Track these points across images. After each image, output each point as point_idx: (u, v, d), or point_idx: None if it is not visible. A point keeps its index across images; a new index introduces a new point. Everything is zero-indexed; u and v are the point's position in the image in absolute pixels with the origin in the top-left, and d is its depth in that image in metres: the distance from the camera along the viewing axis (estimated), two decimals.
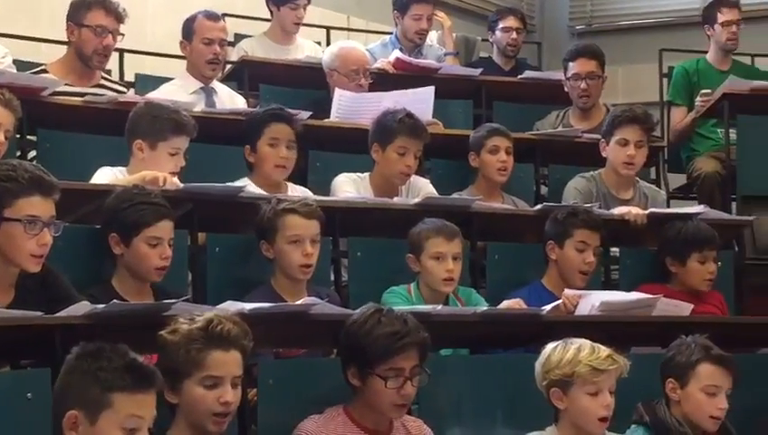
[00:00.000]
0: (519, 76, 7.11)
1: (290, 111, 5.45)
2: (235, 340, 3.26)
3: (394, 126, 5.23)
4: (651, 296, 4.70)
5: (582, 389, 3.69)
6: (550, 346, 3.79)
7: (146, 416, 2.86)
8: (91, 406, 2.83)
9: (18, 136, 4.87)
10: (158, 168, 4.58)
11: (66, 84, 5.17)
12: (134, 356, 2.89)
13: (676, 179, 7.32)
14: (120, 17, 5.41)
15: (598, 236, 5.02)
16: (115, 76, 6.24)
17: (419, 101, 5.82)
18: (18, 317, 3.36)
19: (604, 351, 3.71)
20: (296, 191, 5.02)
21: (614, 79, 8.80)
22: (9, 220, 3.56)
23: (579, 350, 3.70)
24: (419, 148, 5.30)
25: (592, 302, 4.63)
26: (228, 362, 3.25)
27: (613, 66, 8.49)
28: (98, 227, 4.15)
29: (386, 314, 3.61)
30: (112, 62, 6.22)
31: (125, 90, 5.76)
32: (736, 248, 6.13)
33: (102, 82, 5.56)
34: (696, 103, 6.90)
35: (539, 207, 5.40)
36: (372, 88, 6.18)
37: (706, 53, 7.37)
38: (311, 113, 5.64)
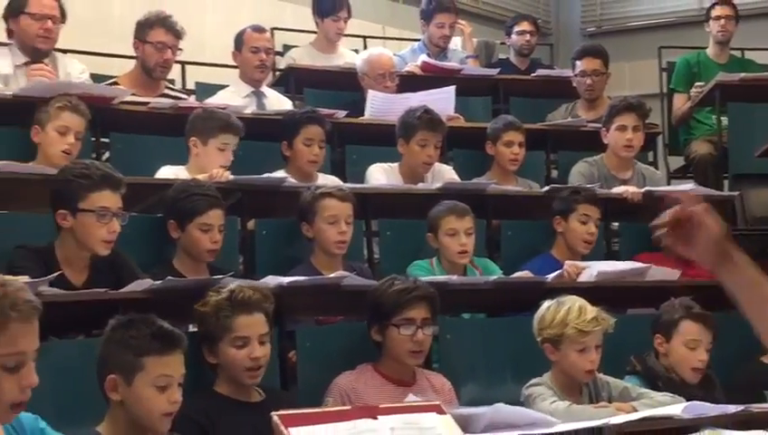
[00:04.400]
0: (532, 74, 7.14)
1: (328, 110, 5.54)
2: (257, 304, 3.35)
3: (415, 122, 5.28)
4: (642, 265, 4.72)
5: (571, 347, 3.76)
6: (544, 305, 3.85)
7: (175, 374, 2.90)
8: (126, 370, 2.88)
9: (93, 139, 4.97)
10: (209, 160, 4.69)
11: (133, 94, 5.24)
12: (161, 323, 2.93)
13: (676, 161, 7.34)
14: (178, 34, 5.49)
15: (598, 209, 5.07)
16: (178, 85, 6.35)
17: (442, 100, 5.87)
18: (89, 294, 3.50)
19: (590, 312, 3.76)
20: (327, 180, 5.07)
21: (621, 73, 8.81)
22: (84, 211, 3.69)
23: (567, 312, 3.76)
24: (439, 139, 5.34)
25: (591, 272, 4.68)
26: (253, 323, 3.34)
27: (620, 62, 8.54)
28: (159, 215, 4.24)
29: (399, 278, 3.74)
30: (176, 73, 6.36)
31: (186, 97, 5.85)
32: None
33: (166, 91, 5.65)
34: (691, 93, 6.94)
35: (546, 188, 5.45)
36: (403, 88, 6.20)
37: (701, 48, 7.40)
38: (347, 112, 5.72)
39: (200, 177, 4.50)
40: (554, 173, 6.28)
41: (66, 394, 3.17)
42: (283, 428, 2.18)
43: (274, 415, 2.14)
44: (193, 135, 4.78)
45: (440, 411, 2.56)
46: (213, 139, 4.75)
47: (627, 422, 3.45)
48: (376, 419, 2.38)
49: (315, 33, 7.06)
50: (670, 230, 2.08)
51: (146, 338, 2.88)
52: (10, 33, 5.21)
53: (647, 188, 5.52)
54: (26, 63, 5.18)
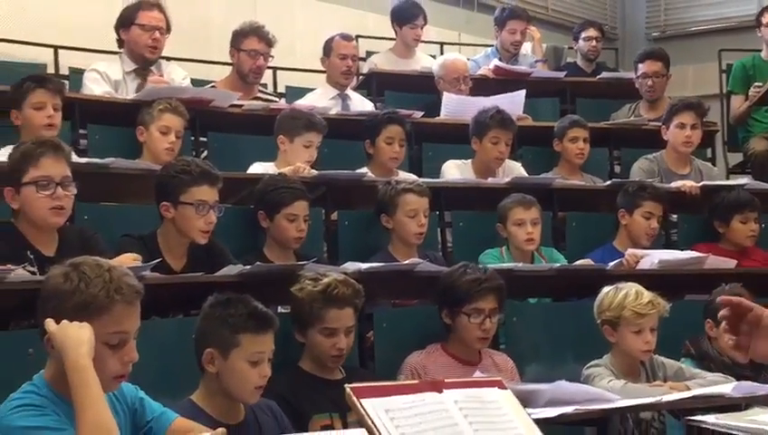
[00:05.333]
0: (597, 77, 7.09)
1: (406, 111, 5.58)
2: (348, 299, 3.39)
3: (487, 121, 5.29)
4: (701, 255, 4.67)
5: (627, 328, 3.73)
6: (604, 290, 3.83)
7: (266, 350, 2.94)
8: (223, 345, 2.91)
9: (192, 138, 5.08)
10: (295, 157, 4.75)
11: None
12: (256, 304, 2.97)
13: (736, 158, 7.22)
14: (270, 43, 5.58)
15: (661, 206, 5.03)
16: (270, 89, 6.42)
17: (512, 102, 5.85)
18: (186, 277, 3.59)
19: (646, 296, 3.73)
20: (405, 177, 5.08)
21: (685, 75, 8.71)
22: (184, 204, 3.77)
23: (625, 296, 3.73)
24: (509, 137, 5.34)
25: (652, 260, 4.64)
26: (342, 317, 3.38)
27: (684, 65, 8.43)
28: (251, 207, 4.30)
29: (470, 267, 3.73)
30: (268, 78, 6.44)
31: (277, 99, 5.93)
32: None
33: (259, 94, 5.74)
34: (750, 93, 6.82)
35: (608, 182, 5.42)
36: (476, 91, 6.21)
37: (759, 51, 7.26)
38: (423, 113, 5.75)
39: (285, 170, 4.57)
40: (617, 169, 6.23)
41: (165, 367, 3.24)
42: (355, 398, 2.21)
43: (347, 387, 2.17)
44: (281, 133, 4.86)
45: (501, 387, 2.56)
46: (298, 137, 4.82)
47: (679, 400, 3.43)
48: (441, 392, 2.39)
49: (394, 39, 7.10)
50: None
51: (243, 317, 2.92)
52: (121, 42, 5.35)
53: (704, 182, 5.47)
54: (134, 70, 5.32)
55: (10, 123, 4.38)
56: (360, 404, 2.24)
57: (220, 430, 2.31)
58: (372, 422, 2.20)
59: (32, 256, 3.41)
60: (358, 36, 6.99)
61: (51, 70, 6.02)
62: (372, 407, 2.25)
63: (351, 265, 3.78)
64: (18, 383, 2.44)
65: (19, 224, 3.49)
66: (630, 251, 4.69)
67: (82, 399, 2.30)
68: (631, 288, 3.77)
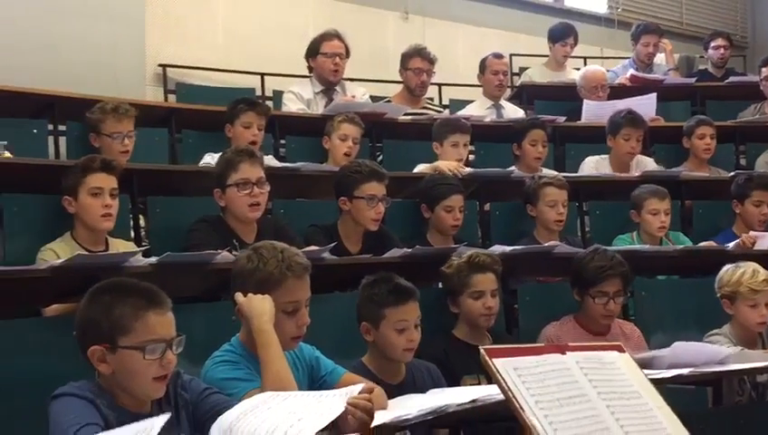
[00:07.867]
0: (725, 81, 6.79)
1: (550, 117, 5.51)
2: (489, 265, 3.40)
3: (620, 120, 5.18)
4: None
5: (744, 303, 3.57)
6: (724, 268, 3.69)
7: (410, 318, 2.90)
8: (373, 319, 2.92)
9: (370, 144, 5.19)
10: (446, 157, 4.77)
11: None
12: (398, 281, 2.93)
13: None
14: (431, 61, 5.64)
15: None
16: (436, 102, 6.44)
17: (644, 105, 5.70)
18: (359, 258, 3.68)
19: (762, 275, 3.56)
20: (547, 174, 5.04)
21: None
22: (357, 198, 3.87)
23: (742, 274, 3.58)
24: (640, 134, 5.20)
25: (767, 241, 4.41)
26: (486, 280, 3.38)
27: None
28: (416, 200, 4.33)
29: (599, 252, 3.63)
30: (434, 92, 6.48)
31: (442, 110, 5.98)
32: None
33: (426, 104, 5.81)
34: None
35: (731, 174, 5.17)
36: (615, 97, 6.05)
37: None
38: (565, 118, 5.67)
39: (440, 164, 4.59)
40: (742, 162, 5.96)
41: (343, 333, 3.27)
42: (487, 358, 2.22)
43: (482, 348, 2.18)
44: (435, 140, 4.91)
45: (620, 350, 2.51)
46: (446, 139, 4.86)
47: None
48: (564, 354, 2.37)
49: (543, 56, 7.02)
50: None
51: (384, 293, 2.92)
52: (310, 68, 5.53)
53: None
54: (322, 91, 5.48)
55: (224, 135, 4.60)
56: (492, 363, 2.24)
57: (372, 386, 2.32)
58: (502, 378, 2.20)
59: (236, 243, 3.58)
60: (512, 55, 6.96)
61: (258, 93, 6.27)
62: (502, 365, 2.25)
63: (498, 248, 3.78)
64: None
65: (227, 218, 3.67)
66: (752, 233, 4.48)
67: (266, 356, 2.41)
68: (749, 267, 3.61)
